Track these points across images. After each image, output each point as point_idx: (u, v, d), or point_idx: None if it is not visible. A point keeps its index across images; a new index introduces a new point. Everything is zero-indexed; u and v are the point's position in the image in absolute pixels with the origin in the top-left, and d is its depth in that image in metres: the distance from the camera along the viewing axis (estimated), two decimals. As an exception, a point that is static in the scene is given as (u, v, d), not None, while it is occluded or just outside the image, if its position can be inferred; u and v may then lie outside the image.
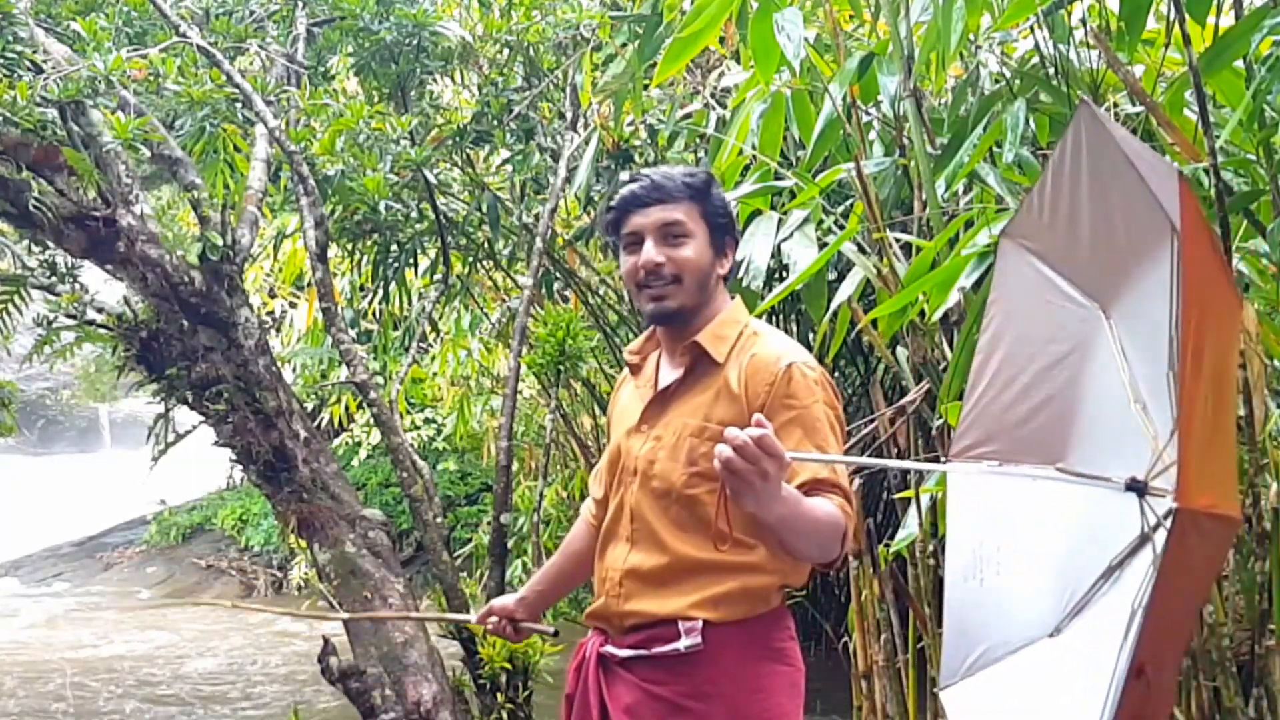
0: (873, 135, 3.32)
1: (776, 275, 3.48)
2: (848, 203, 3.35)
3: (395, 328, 5.74)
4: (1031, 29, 2.85)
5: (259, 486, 3.84)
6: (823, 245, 2.84)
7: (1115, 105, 2.97)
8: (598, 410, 5.88)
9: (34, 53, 3.48)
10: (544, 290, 4.95)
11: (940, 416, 2.68)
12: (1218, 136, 2.24)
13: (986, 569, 1.41)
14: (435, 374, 6.42)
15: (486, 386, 6.72)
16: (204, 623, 7.93)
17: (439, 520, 3.83)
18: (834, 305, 2.90)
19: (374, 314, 5.74)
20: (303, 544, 3.80)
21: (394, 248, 4.65)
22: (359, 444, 8.36)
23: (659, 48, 3.41)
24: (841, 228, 2.96)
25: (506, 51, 4.68)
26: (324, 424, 7.86)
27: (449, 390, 6.85)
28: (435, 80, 4.77)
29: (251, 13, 4.34)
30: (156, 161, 3.77)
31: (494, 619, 2.13)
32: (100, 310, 3.68)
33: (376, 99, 4.51)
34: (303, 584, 8.41)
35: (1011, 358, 1.48)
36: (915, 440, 3.30)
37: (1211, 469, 1.22)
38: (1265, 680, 2.36)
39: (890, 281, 2.80)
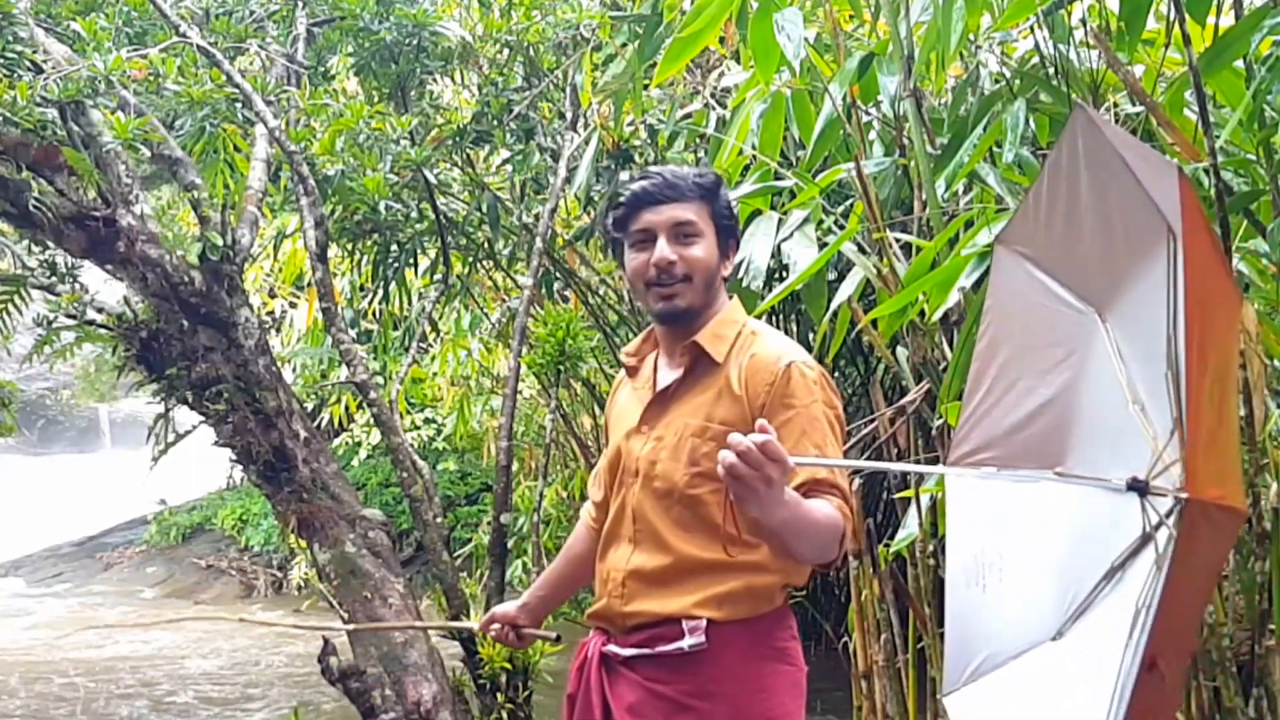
0: (873, 135, 3.32)
1: (776, 275, 3.48)
2: (848, 203, 3.35)
3: (395, 328, 5.74)
4: (1031, 29, 2.85)
5: (259, 486, 3.84)
6: (823, 245, 2.84)
7: (1115, 105, 2.97)
8: (598, 410, 5.88)
9: (34, 53, 3.47)
10: (544, 290, 4.95)
11: (940, 416, 2.68)
12: (1218, 136, 2.24)
13: (988, 575, 1.41)
14: (435, 374, 6.42)
15: (486, 386, 6.72)
16: (206, 623, 7.93)
17: (439, 520, 3.84)
18: (834, 305, 2.90)
19: (374, 314, 5.74)
20: (303, 544, 3.80)
21: (394, 248, 4.65)
22: (359, 444, 8.36)
23: (659, 48, 3.41)
24: (841, 228, 2.96)
25: (506, 51, 4.67)
26: (324, 424, 7.86)
27: (449, 390, 6.85)
28: (435, 80, 4.77)
29: (251, 13, 4.34)
30: (156, 161, 3.77)
31: (496, 626, 2.13)
32: (100, 310, 3.68)
33: (376, 99, 4.51)
34: (303, 584, 8.40)
35: (1008, 364, 1.49)
36: (915, 440, 3.30)
37: (1218, 462, 1.22)
38: (1265, 680, 2.36)
39: (890, 281, 2.80)
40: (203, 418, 3.75)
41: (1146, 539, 1.20)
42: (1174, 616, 1.17)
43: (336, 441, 8.44)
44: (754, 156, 3.15)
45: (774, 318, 4.60)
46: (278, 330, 7.74)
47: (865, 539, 3.19)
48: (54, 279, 3.73)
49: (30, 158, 3.39)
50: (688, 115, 4.30)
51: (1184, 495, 1.12)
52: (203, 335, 3.64)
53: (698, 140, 4.38)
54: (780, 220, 2.96)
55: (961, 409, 1.54)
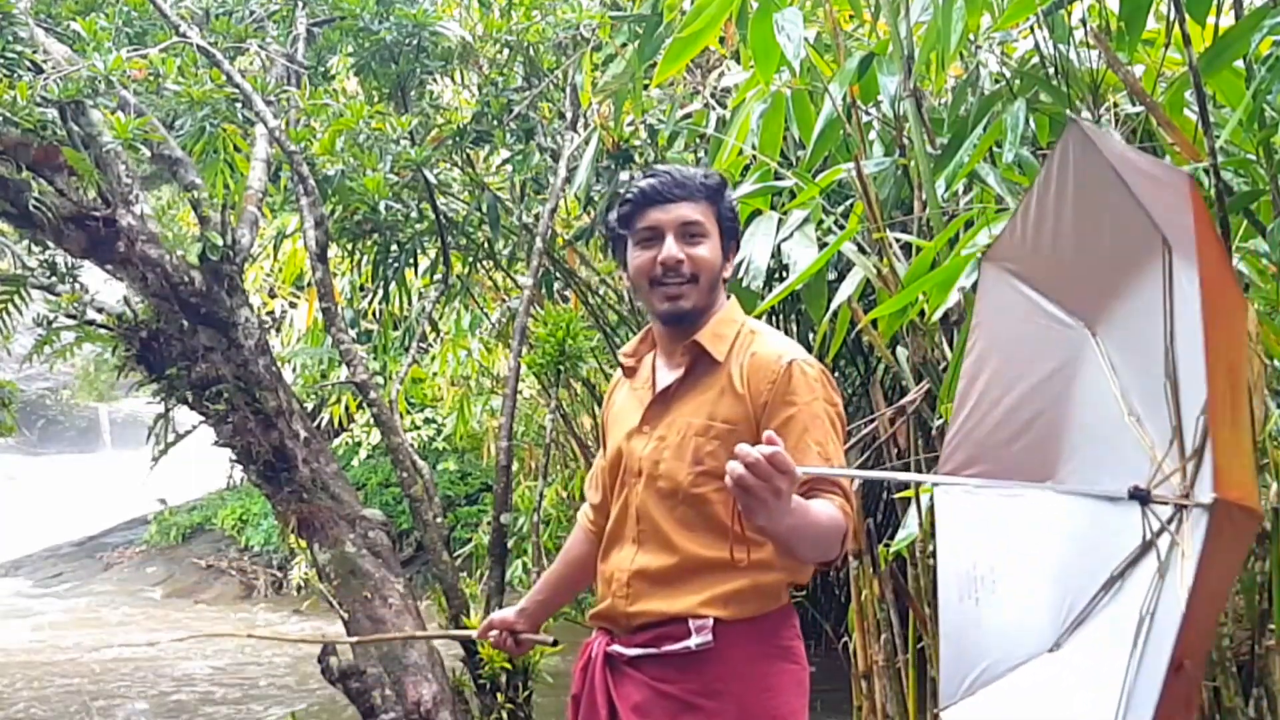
0: (873, 135, 3.32)
1: (776, 275, 3.48)
2: (848, 203, 3.35)
3: (395, 328, 5.74)
4: (1031, 29, 2.84)
5: (259, 486, 3.84)
6: (823, 245, 2.84)
7: (1115, 105, 2.97)
8: (598, 410, 5.86)
9: (34, 53, 3.47)
10: (544, 290, 4.95)
11: (940, 416, 2.68)
12: (1218, 136, 2.24)
13: (981, 589, 1.41)
14: (435, 374, 6.42)
15: (486, 386, 6.72)
16: (209, 624, 7.94)
17: (439, 520, 3.83)
18: (834, 305, 2.90)
19: (374, 314, 5.74)
20: (303, 544, 3.80)
21: (394, 248, 4.64)
22: (359, 444, 8.37)
23: (659, 48, 3.41)
24: (841, 228, 2.95)
25: (506, 51, 4.67)
26: (324, 424, 7.86)
27: (449, 390, 6.85)
28: (435, 80, 4.77)
29: (251, 13, 4.34)
30: (156, 161, 3.77)
31: (494, 633, 2.13)
32: (100, 310, 3.68)
33: (376, 99, 4.51)
34: (303, 584, 8.41)
35: (996, 379, 1.49)
36: (915, 440, 3.30)
37: (1236, 464, 1.22)
38: (1265, 680, 2.36)
39: (890, 281, 2.79)
40: (203, 418, 3.75)
41: (1147, 547, 1.21)
42: (1200, 617, 1.17)
43: (336, 441, 8.44)
44: (754, 156, 3.15)
45: (774, 318, 4.60)
46: (278, 330, 7.74)
47: (865, 539, 3.19)
48: (54, 279, 3.73)
49: (30, 158, 3.39)
50: (688, 115, 4.30)
51: (1213, 496, 1.11)
52: (203, 335, 3.64)
53: (698, 140, 4.38)
54: (780, 220, 2.96)
55: (949, 426, 1.55)
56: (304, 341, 7.15)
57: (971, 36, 2.97)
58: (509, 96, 4.48)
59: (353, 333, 5.15)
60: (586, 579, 2.12)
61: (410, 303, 5.28)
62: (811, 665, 1.88)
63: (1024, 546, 1.39)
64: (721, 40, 3.89)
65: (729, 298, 1.91)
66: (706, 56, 4.44)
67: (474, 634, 2.23)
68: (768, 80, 2.99)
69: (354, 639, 3.52)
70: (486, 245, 4.93)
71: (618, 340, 5.11)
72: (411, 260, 4.73)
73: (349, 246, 4.72)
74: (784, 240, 2.90)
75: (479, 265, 5.23)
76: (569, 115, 4.53)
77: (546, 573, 2.19)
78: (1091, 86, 2.74)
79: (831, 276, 3.36)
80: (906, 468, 3.25)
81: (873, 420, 3.34)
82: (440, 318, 5.93)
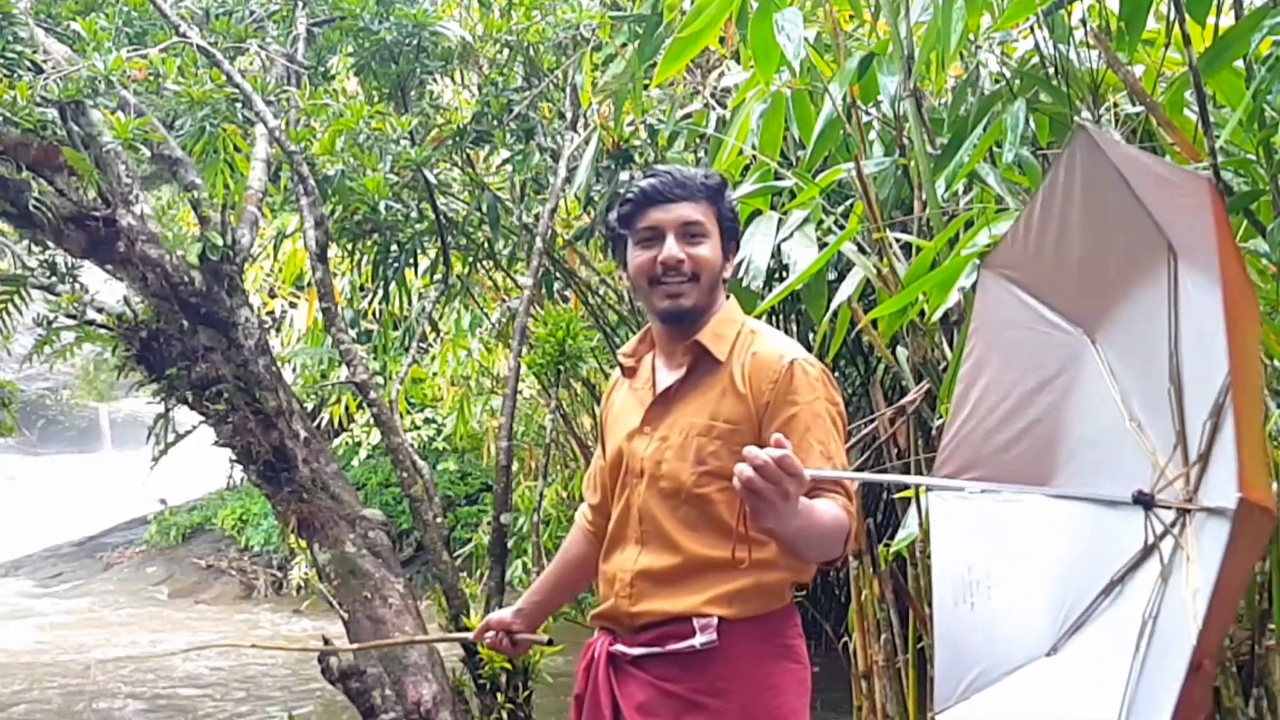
0: (873, 135, 3.32)
1: (776, 275, 3.48)
2: (848, 203, 3.35)
3: (395, 328, 5.74)
4: (1031, 29, 2.84)
5: (259, 486, 3.84)
6: (823, 245, 2.84)
7: (1115, 105, 2.97)
8: (597, 410, 5.86)
9: (34, 53, 3.48)
10: (544, 290, 4.95)
11: (940, 416, 2.68)
12: (1218, 136, 2.24)
13: (976, 593, 1.41)
14: (435, 374, 6.42)
15: (486, 386, 6.72)
16: (209, 622, 7.94)
17: (439, 520, 3.83)
18: (834, 305, 2.90)
19: (374, 314, 5.74)
20: (303, 544, 3.80)
21: (394, 248, 4.65)
22: (359, 444, 8.37)
23: (659, 48, 3.41)
24: (841, 228, 2.95)
25: (506, 51, 4.67)
26: (324, 424, 7.87)
27: (449, 390, 6.85)
28: (435, 80, 4.77)
29: (251, 13, 4.34)
30: (156, 161, 3.77)
31: (491, 634, 2.13)
32: (100, 310, 3.68)
33: (376, 99, 4.51)
34: (303, 584, 8.41)
35: (994, 385, 1.49)
36: (915, 440, 3.30)
37: (1254, 465, 1.22)
38: (1265, 680, 2.36)
39: (890, 281, 2.79)
40: (203, 418, 3.75)
41: (1149, 551, 1.20)
42: (1219, 617, 1.17)
43: (336, 441, 8.45)
44: (754, 156, 3.15)
45: (774, 318, 4.60)
46: (278, 330, 7.74)
47: (865, 539, 3.19)
48: (54, 279, 3.73)
49: (30, 158, 3.39)
50: (688, 115, 4.30)
51: (1238, 496, 1.11)
52: (203, 335, 3.64)
53: (698, 140, 4.38)
54: (780, 220, 2.96)
55: (945, 431, 1.54)
56: (304, 341, 7.15)
57: (971, 36, 2.97)
58: (509, 96, 4.48)
59: (353, 333, 5.15)
60: (585, 580, 2.12)
61: (410, 303, 5.28)
62: (812, 665, 1.88)
63: (1021, 551, 1.39)
64: (721, 40, 3.89)
65: (729, 298, 1.92)
66: (706, 56, 4.44)
67: (470, 636, 2.22)
68: (768, 80, 2.98)
69: (354, 646, 3.52)
70: (486, 245, 4.93)
71: (618, 340, 5.11)
72: (411, 260, 4.73)
73: (349, 246, 4.72)
74: (784, 240, 2.90)
75: (479, 265, 5.24)
76: (569, 115, 4.53)
77: (544, 574, 2.19)
78: (1091, 86, 2.74)
79: (831, 276, 3.36)
80: (906, 468, 3.25)
81: (873, 420, 3.34)
82: (440, 318, 5.93)
